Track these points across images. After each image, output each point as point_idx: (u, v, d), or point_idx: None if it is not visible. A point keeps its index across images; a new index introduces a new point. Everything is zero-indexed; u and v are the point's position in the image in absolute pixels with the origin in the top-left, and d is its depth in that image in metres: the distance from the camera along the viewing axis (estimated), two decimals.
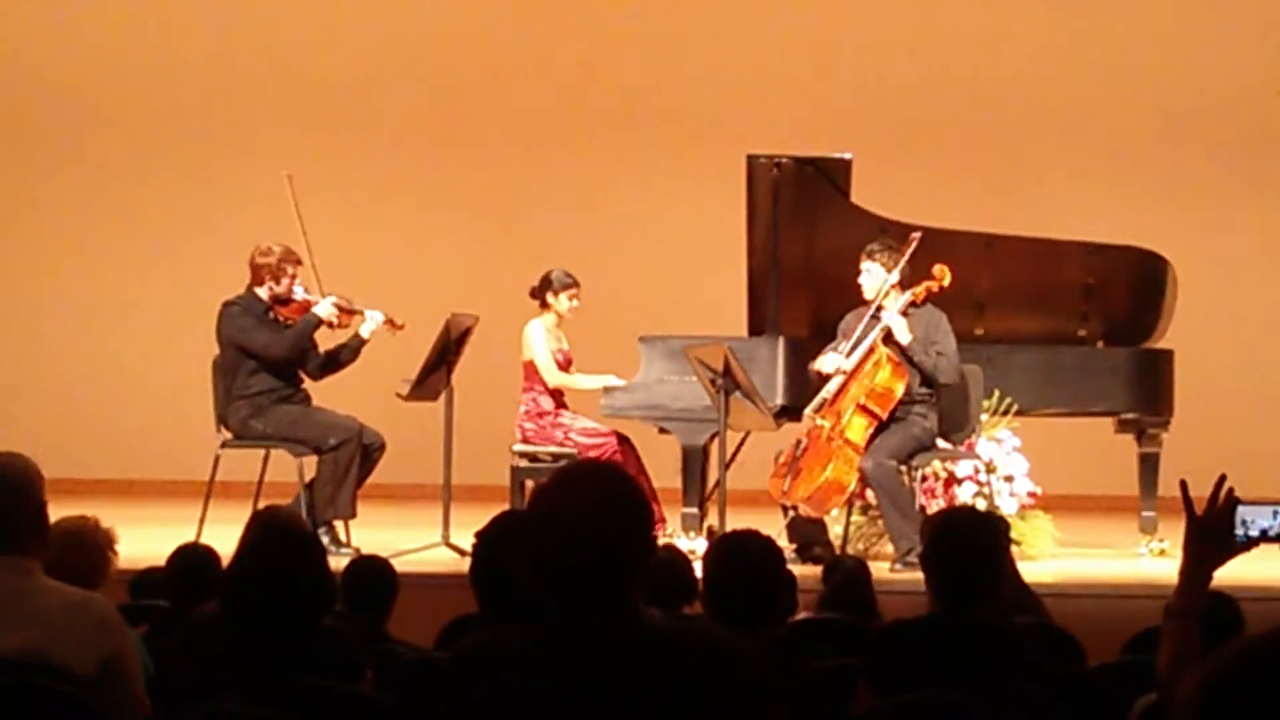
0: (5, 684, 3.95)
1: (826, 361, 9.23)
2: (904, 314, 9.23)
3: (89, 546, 5.08)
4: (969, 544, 4.51)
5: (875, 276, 9.24)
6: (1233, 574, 3.64)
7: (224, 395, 9.29)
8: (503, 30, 13.65)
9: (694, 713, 2.83)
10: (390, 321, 9.42)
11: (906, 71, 13.54)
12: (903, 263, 9.19)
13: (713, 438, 9.34)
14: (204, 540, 6.73)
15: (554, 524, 2.94)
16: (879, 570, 7.90)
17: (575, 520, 2.92)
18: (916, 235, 9.31)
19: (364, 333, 9.42)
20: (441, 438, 9.26)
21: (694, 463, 9.48)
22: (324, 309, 9.32)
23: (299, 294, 9.37)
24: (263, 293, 9.32)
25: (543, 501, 3.00)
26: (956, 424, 9.40)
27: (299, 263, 9.35)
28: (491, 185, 13.57)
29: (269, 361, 9.22)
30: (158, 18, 13.64)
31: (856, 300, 9.32)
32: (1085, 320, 10.16)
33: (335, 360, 9.47)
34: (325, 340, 9.52)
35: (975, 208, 12.11)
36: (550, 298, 9.79)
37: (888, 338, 9.20)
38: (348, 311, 9.43)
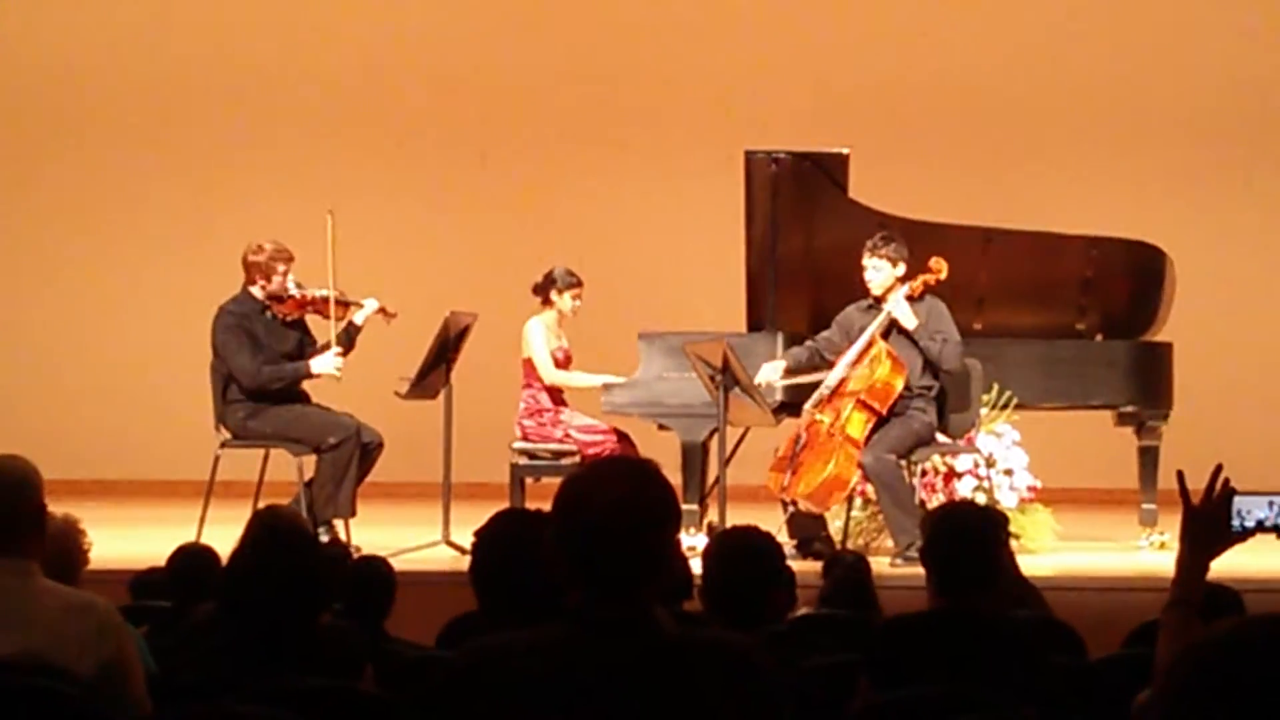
0: (5, 686, 3.95)
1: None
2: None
3: (62, 536, 5.05)
4: (968, 538, 4.52)
5: (882, 272, 9.17)
6: (1234, 565, 3.65)
7: (221, 396, 9.27)
8: (503, 28, 13.64)
9: (711, 718, 2.77)
10: (383, 309, 9.39)
11: (904, 65, 13.53)
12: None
13: (712, 434, 9.32)
14: (204, 540, 6.76)
15: (589, 517, 2.81)
16: (879, 565, 7.90)
17: (614, 515, 2.80)
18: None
19: (357, 319, 9.40)
20: (441, 436, 9.26)
21: (693, 459, 9.47)
22: (326, 364, 9.23)
23: (293, 289, 9.31)
24: (257, 291, 9.30)
25: (577, 494, 2.85)
26: (956, 418, 9.39)
27: (291, 259, 9.28)
28: (490, 183, 13.56)
29: (240, 384, 9.14)
30: (157, 16, 13.62)
31: (855, 295, 9.31)
32: (1084, 313, 10.15)
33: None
34: (320, 333, 9.45)
35: (973, 201, 12.09)
36: (553, 295, 9.76)
37: (887, 331, 9.19)
38: (342, 304, 9.36)
